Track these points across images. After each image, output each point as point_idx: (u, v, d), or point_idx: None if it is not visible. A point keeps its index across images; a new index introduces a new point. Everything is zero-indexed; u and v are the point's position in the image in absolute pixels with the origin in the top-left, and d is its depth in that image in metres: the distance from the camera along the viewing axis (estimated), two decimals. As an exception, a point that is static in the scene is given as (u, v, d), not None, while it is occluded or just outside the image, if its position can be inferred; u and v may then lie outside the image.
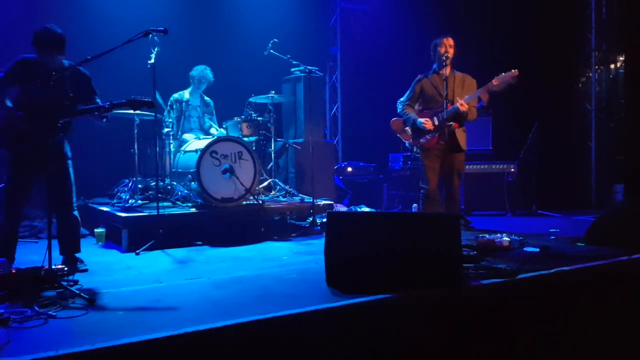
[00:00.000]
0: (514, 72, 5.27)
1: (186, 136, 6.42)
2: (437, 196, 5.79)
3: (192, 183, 5.68)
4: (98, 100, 4.17)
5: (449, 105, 5.44)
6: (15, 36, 5.24)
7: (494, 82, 5.34)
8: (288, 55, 6.41)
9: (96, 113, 3.90)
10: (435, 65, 5.68)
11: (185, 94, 6.66)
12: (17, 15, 6.53)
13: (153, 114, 5.30)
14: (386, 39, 9.21)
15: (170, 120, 6.38)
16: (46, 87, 3.77)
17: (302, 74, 7.25)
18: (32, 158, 3.88)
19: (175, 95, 6.65)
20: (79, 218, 4.26)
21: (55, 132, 3.86)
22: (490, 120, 7.86)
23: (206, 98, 6.76)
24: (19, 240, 4.14)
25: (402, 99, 5.81)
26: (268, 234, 5.70)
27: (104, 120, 4.05)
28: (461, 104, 5.32)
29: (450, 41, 5.53)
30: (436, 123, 5.54)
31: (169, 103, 6.61)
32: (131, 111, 5.86)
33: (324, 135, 8.80)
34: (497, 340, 3.32)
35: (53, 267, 3.40)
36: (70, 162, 4.17)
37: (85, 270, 4.05)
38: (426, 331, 3.10)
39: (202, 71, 6.59)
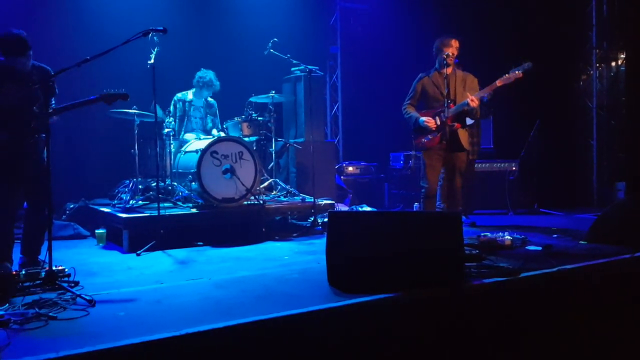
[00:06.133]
0: (518, 74, 5.25)
1: (187, 136, 6.40)
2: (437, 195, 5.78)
3: (193, 183, 5.67)
4: (53, 102, 4.14)
5: (450, 104, 5.44)
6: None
7: (498, 83, 5.33)
8: (288, 55, 6.40)
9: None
10: (437, 64, 5.67)
11: (189, 94, 6.63)
12: (16, 14, 6.51)
13: (153, 114, 5.28)
14: (386, 37, 9.19)
15: (170, 120, 6.36)
16: (20, 90, 3.80)
17: (303, 74, 7.24)
18: (10, 162, 3.89)
19: (179, 95, 6.62)
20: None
21: (29, 134, 3.92)
22: (491, 119, 7.85)
23: (209, 99, 6.73)
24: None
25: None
26: (269, 234, 5.68)
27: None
28: (472, 100, 5.31)
29: (456, 43, 5.54)
30: (438, 122, 5.53)
31: (172, 102, 6.59)
32: (131, 111, 5.90)
33: (324, 135, 8.78)
34: (499, 339, 3.30)
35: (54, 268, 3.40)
36: (45, 163, 4.11)
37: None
38: (428, 330, 3.08)
39: (208, 78, 6.48)
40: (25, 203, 4.11)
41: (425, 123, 5.54)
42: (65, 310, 2.97)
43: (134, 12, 7.17)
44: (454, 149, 5.53)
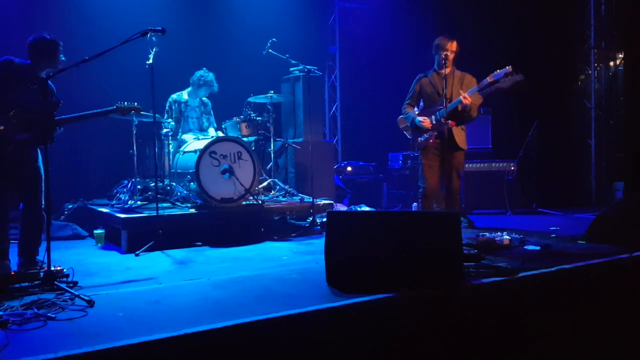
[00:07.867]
0: (508, 68, 5.27)
1: (185, 137, 6.40)
2: (436, 195, 5.79)
3: (192, 183, 5.67)
4: None
5: (447, 103, 5.44)
6: (11, 36, 5.22)
7: (489, 79, 5.36)
8: (287, 55, 6.40)
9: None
10: (435, 64, 5.68)
11: (184, 94, 6.64)
12: (15, 14, 6.51)
13: (151, 114, 5.27)
14: (385, 37, 9.19)
15: (168, 121, 6.36)
16: (34, 94, 3.80)
17: (301, 74, 7.24)
18: (5, 164, 3.88)
19: (174, 96, 6.62)
20: (45, 218, 4.10)
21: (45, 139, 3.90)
22: (489, 119, 7.85)
23: (204, 98, 6.73)
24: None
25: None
26: (268, 234, 5.69)
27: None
28: (464, 97, 5.32)
29: (453, 46, 5.54)
30: (434, 121, 5.54)
31: (167, 104, 6.59)
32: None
33: (323, 135, 8.78)
34: (498, 338, 3.31)
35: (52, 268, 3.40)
36: (40, 165, 4.08)
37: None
38: (427, 330, 3.09)
39: (210, 78, 6.50)
40: (20, 204, 4.11)
41: (421, 122, 5.56)
42: (63, 311, 2.97)
43: (133, 12, 7.16)
44: (450, 149, 5.53)
